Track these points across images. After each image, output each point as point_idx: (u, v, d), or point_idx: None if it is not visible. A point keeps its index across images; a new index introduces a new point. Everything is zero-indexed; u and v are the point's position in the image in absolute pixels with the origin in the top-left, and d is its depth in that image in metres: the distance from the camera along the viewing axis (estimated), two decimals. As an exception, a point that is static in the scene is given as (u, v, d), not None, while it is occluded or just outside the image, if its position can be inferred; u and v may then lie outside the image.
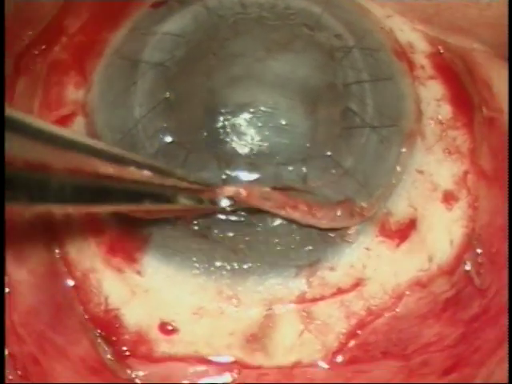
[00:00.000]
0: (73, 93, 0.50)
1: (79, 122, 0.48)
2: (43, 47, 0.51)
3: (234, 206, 0.41)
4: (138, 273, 0.46)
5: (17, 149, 0.25)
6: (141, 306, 0.46)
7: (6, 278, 0.47)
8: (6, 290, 0.48)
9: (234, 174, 0.43)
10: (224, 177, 0.43)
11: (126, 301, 0.46)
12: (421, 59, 0.51)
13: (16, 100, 0.50)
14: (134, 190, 0.33)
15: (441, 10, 0.51)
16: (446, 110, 0.49)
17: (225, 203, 0.41)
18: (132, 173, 0.32)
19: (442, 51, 0.52)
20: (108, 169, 0.31)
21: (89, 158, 0.30)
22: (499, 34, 0.50)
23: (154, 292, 0.46)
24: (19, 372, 0.45)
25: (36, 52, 0.51)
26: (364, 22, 0.49)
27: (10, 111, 0.26)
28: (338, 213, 0.43)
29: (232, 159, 0.43)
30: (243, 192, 0.41)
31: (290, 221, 0.44)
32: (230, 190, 0.41)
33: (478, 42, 0.51)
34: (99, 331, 0.46)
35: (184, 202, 0.37)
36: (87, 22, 0.51)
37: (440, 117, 0.49)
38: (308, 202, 0.42)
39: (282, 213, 0.43)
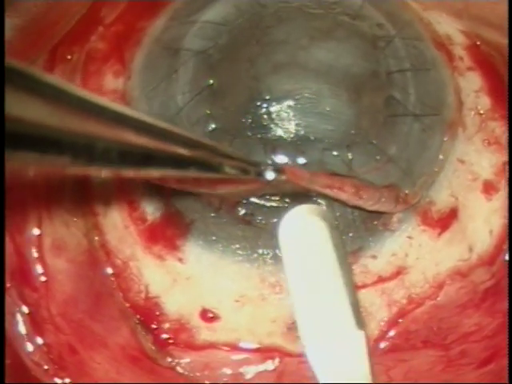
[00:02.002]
0: (112, 81, 0.49)
1: None
2: (79, 37, 0.51)
3: (279, 180, 0.40)
4: (180, 260, 0.46)
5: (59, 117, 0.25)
6: (182, 293, 0.46)
7: (42, 268, 0.47)
8: (43, 278, 0.47)
9: (279, 159, 0.43)
10: (269, 162, 0.43)
11: (166, 288, 0.46)
12: (459, 51, 0.51)
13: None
14: (181, 156, 0.33)
15: (469, 4, 0.51)
16: (484, 102, 0.50)
17: (270, 176, 0.39)
18: (177, 149, 0.32)
19: (478, 43, 0.51)
20: (152, 143, 0.31)
21: (134, 131, 0.30)
22: None
23: (196, 279, 0.46)
24: (54, 362, 0.45)
25: (72, 42, 0.50)
26: (403, 13, 0.49)
27: (53, 79, 0.26)
28: (384, 197, 0.43)
29: (277, 145, 0.43)
30: (289, 168, 0.41)
31: (336, 201, 0.43)
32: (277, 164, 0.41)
33: (505, 37, 0.51)
34: (139, 319, 0.46)
35: (230, 171, 0.37)
36: (124, 12, 0.51)
37: (479, 107, 0.49)
38: (355, 183, 0.42)
39: (329, 193, 0.42)
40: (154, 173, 0.34)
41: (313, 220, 0.42)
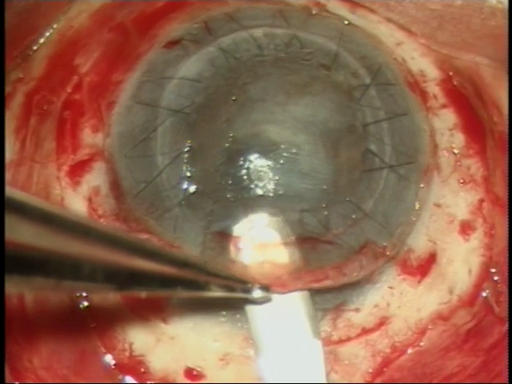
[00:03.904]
0: (90, 136, 0.49)
1: (100, 168, 0.48)
2: (55, 85, 0.50)
3: (266, 297, 0.41)
4: (164, 320, 0.46)
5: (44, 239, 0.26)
6: (166, 352, 0.46)
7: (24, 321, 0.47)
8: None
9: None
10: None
11: (151, 347, 0.46)
12: (433, 88, 0.51)
13: (29, 140, 0.49)
14: (168, 276, 0.33)
15: (444, 21, 0.51)
16: (459, 139, 0.50)
17: (257, 294, 0.41)
18: (163, 268, 0.33)
19: (451, 74, 0.52)
20: (140, 263, 0.31)
21: (121, 251, 0.30)
22: (503, 46, 0.50)
23: (180, 339, 0.46)
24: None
25: (47, 91, 0.50)
26: (377, 54, 0.49)
27: (43, 203, 0.26)
28: (363, 260, 0.43)
29: (256, 207, 0.44)
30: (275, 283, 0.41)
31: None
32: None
33: (481, 55, 0.51)
34: (124, 377, 0.46)
35: (216, 289, 0.38)
36: (99, 62, 0.50)
37: (453, 146, 0.50)
38: (334, 265, 0.43)
39: (314, 286, 0.43)
40: (140, 292, 0.35)
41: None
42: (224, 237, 0.44)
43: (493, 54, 0.51)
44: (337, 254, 0.44)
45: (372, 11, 0.51)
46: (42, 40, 0.50)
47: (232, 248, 0.44)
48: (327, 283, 0.44)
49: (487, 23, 0.50)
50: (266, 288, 0.40)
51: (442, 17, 0.51)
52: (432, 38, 0.52)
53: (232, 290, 0.39)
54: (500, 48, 0.50)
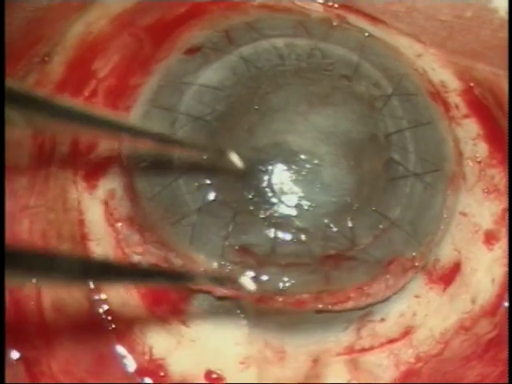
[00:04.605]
0: (105, 140, 0.49)
1: (114, 171, 0.48)
2: (73, 90, 0.50)
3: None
4: (184, 323, 0.46)
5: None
6: (186, 355, 0.46)
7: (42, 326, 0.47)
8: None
9: (282, 236, 0.43)
10: (272, 237, 0.43)
11: (171, 350, 0.46)
12: (454, 98, 0.51)
13: (46, 145, 0.49)
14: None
15: (454, 32, 0.51)
16: (482, 149, 0.50)
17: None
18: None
19: (471, 84, 0.52)
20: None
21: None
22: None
23: (200, 342, 0.46)
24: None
25: (66, 95, 0.50)
26: (399, 65, 0.49)
27: None
28: (390, 280, 0.43)
29: (280, 221, 0.43)
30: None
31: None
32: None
33: (492, 65, 0.51)
34: (144, 380, 0.46)
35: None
36: (117, 66, 0.50)
37: (477, 155, 0.49)
38: (357, 285, 0.43)
39: (336, 308, 0.43)
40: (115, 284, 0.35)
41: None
42: (244, 251, 0.43)
43: (502, 63, 0.51)
44: (362, 271, 0.43)
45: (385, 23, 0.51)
46: (58, 45, 0.50)
47: (252, 263, 0.43)
48: (349, 305, 0.43)
49: (497, 35, 0.50)
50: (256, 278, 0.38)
51: (451, 27, 0.51)
52: (442, 47, 0.52)
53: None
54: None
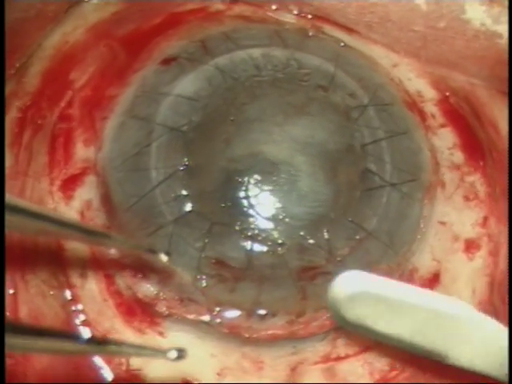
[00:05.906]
0: (82, 150, 0.48)
1: (91, 181, 0.47)
2: (49, 100, 0.50)
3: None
4: (160, 334, 0.45)
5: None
6: (163, 365, 0.45)
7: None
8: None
9: (258, 249, 0.43)
10: (248, 249, 0.43)
11: (147, 361, 0.45)
12: (430, 107, 0.51)
13: (22, 155, 0.49)
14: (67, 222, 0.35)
15: (428, 42, 0.51)
16: (458, 158, 0.50)
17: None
18: None
19: (447, 94, 0.52)
20: None
21: None
22: (487, 67, 0.51)
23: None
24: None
25: (42, 106, 0.50)
26: (374, 75, 0.49)
27: None
28: None
29: (256, 233, 0.43)
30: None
31: None
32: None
33: (466, 75, 0.51)
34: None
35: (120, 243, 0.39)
36: (94, 77, 0.50)
37: (455, 164, 0.49)
38: None
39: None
40: None
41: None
42: (220, 264, 0.43)
43: (477, 73, 0.51)
44: None
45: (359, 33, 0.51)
46: (34, 55, 0.50)
47: (227, 276, 0.43)
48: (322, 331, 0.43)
49: (470, 45, 0.50)
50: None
51: (425, 38, 0.51)
52: (417, 57, 0.52)
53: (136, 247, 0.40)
54: (484, 68, 0.51)
